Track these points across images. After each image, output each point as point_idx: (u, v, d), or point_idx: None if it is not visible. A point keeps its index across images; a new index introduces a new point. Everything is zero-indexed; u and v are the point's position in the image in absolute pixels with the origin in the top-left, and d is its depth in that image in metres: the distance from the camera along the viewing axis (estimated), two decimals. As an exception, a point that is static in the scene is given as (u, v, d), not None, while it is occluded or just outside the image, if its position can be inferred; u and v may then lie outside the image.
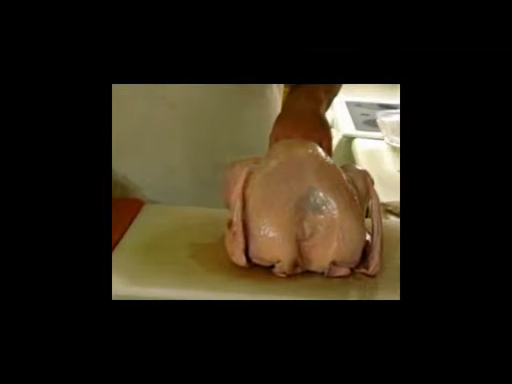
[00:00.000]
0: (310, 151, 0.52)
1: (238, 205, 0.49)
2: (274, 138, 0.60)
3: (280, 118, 0.64)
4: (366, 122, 1.46)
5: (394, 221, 0.75)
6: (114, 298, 0.44)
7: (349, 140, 1.36)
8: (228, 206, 0.52)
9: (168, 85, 0.61)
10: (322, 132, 0.60)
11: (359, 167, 0.58)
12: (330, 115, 1.56)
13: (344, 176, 0.51)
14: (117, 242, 0.53)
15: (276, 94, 0.79)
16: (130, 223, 0.58)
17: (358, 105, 1.68)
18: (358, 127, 1.42)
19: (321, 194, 0.48)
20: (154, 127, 0.69)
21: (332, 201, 0.48)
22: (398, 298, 0.42)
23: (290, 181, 0.49)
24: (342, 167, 0.53)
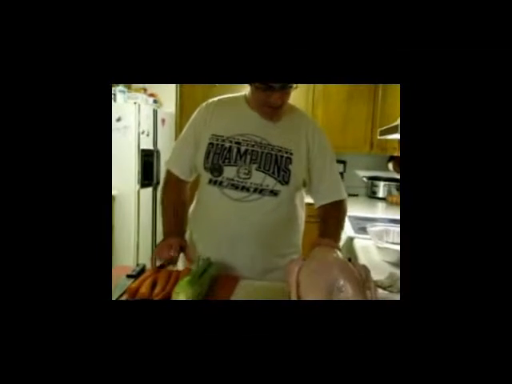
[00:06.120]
0: (336, 256, 0.84)
1: (294, 286, 0.79)
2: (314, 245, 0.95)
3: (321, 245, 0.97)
4: (361, 229, 1.82)
5: (381, 291, 0.97)
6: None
7: (351, 239, 1.71)
8: (288, 284, 0.82)
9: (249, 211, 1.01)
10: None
11: (361, 263, 0.85)
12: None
13: (355, 270, 0.80)
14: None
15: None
16: (233, 290, 0.95)
17: (356, 218, 2.18)
18: (355, 232, 1.79)
19: (341, 282, 0.77)
20: (240, 236, 1.10)
21: (348, 286, 0.76)
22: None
23: (324, 273, 0.78)
24: (353, 264, 0.82)
